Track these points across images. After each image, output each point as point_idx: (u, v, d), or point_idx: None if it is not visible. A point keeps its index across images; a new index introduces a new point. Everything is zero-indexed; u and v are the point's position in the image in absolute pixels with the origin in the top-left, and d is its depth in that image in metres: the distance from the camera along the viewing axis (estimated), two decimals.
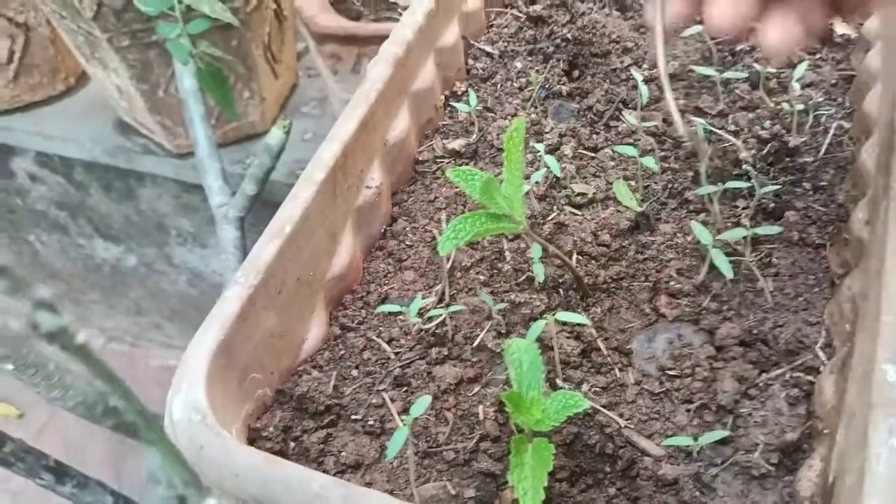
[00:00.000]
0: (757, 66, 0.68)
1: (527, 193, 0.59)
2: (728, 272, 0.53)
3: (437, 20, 0.67)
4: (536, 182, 0.59)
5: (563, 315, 0.50)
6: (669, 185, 0.63)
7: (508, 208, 0.49)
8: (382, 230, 0.62)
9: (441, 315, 0.53)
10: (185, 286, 1.75)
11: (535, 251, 0.55)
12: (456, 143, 0.66)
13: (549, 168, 0.59)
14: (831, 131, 0.64)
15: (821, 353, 0.51)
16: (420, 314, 0.54)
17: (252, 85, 1.45)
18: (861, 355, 0.44)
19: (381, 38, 1.11)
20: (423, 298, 0.55)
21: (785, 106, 0.65)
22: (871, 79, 0.64)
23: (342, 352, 0.55)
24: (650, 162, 0.59)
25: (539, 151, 0.60)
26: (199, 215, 1.54)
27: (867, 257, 0.51)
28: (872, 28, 0.71)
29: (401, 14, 1.25)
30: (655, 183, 0.63)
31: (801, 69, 0.64)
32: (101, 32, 1.29)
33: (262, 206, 1.53)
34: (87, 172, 1.55)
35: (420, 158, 0.66)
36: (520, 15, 0.75)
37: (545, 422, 0.42)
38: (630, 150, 0.60)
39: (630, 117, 0.63)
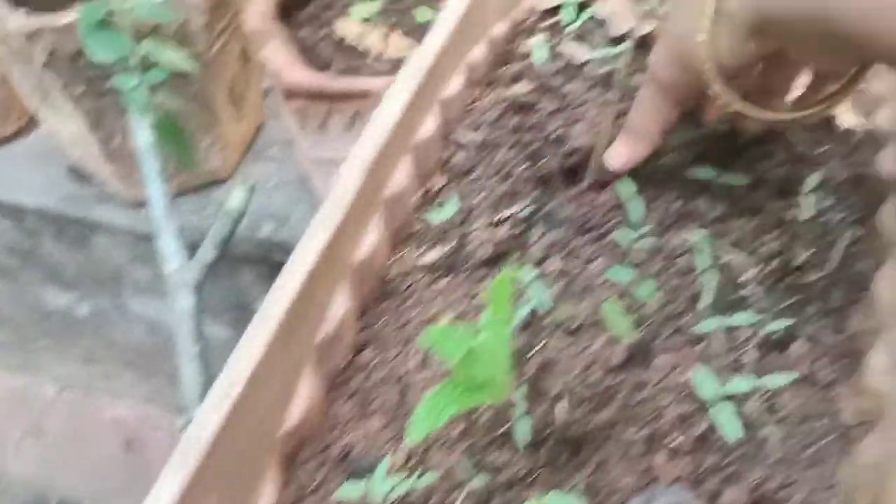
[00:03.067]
0: (758, 165, 0.62)
1: None
2: (735, 434, 0.47)
3: (414, 113, 0.61)
4: (519, 322, 0.53)
5: (552, 499, 0.44)
6: (666, 307, 0.56)
7: (493, 374, 0.43)
8: (346, 362, 0.55)
9: (407, 487, 0.46)
10: (141, 336, 1.69)
11: (519, 408, 0.49)
12: (431, 256, 0.59)
13: (535, 300, 0.53)
14: (842, 242, 0.59)
15: None
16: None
17: (213, 131, 1.39)
18: None
19: (351, 95, 1.05)
20: (392, 455, 0.49)
21: (790, 214, 0.59)
22: (886, 186, 0.59)
23: None
24: (647, 291, 0.53)
25: (524, 282, 0.54)
26: (157, 266, 1.47)
27: (889, 421, 0.46)
28: (884, 120, 0.65)
29: (371, 63, 1.19)
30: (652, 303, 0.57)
31: (813, 180, 0.58)
32: (53, 79, 1.22)
33: (220, 259, 1.46)
34: (38, 219, 1.47)
35: (390, 275, 0.59)
36: (503, 97, 0.69)
37: None
38: (624, 275, 0.54)
39: (622, 234, 0.57)
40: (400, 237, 0.62)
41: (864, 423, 0.50)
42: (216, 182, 1.47)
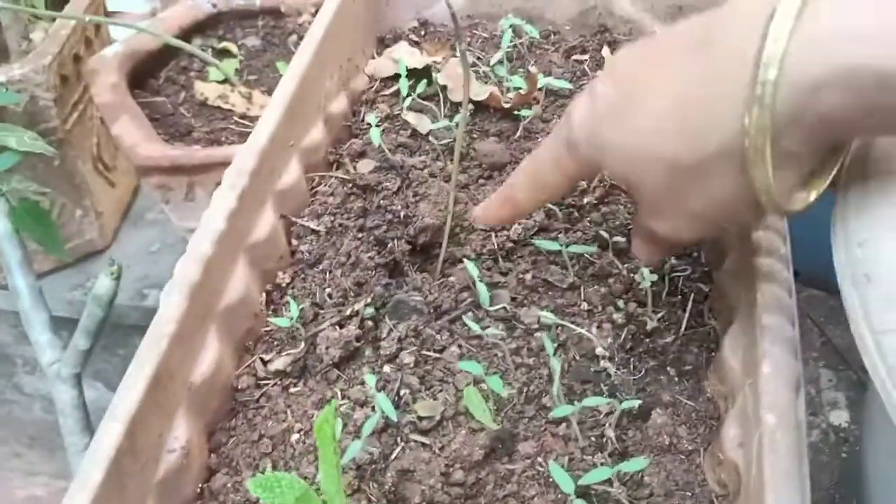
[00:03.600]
0: (602, 232, 0.61)
1: None
2: None
3: (243, 215, 0.58)
4: (371, 433, 0.51)
5: None
6: (525, 388, 0.55)
7: None
8: (198, 489, 0.52)
9: None
10: (41, 413, 1.62)
11: None
12: (280, 362, 0.57)
13: (383, 412, 0.51)
14: (690, 302, 0.59)
15: None
16: None
17: (84, 203, 1.32)
18: None
19: (212, 166, 1.01)
20: None
21: (637, 277, 0.59)
22: (726, 242, 0.59)
23: None
24: (496, 384, 0.52)
25: (371, 389, 0.52)
26: None
27: (745, 498, 0.45)
28: None
29: (236, 123, 1.15)
30: (510, 385, 0.55)
31: None
32: None
33: (112, 329, 1.40)
34: None
35: (239, 386, 0.57)
36: (346, 178, 0.67)
37: None
38: (475, 368, 0.52)
39: (473, 323, 0.55)
40: (246, 344, 0.59)
41: (726, 495, 0.49)
42: (96, 253, 1.41)
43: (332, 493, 0.40)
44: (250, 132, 0.61)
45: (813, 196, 0.44)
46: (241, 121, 1.14)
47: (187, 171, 1.00)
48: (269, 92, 1.14)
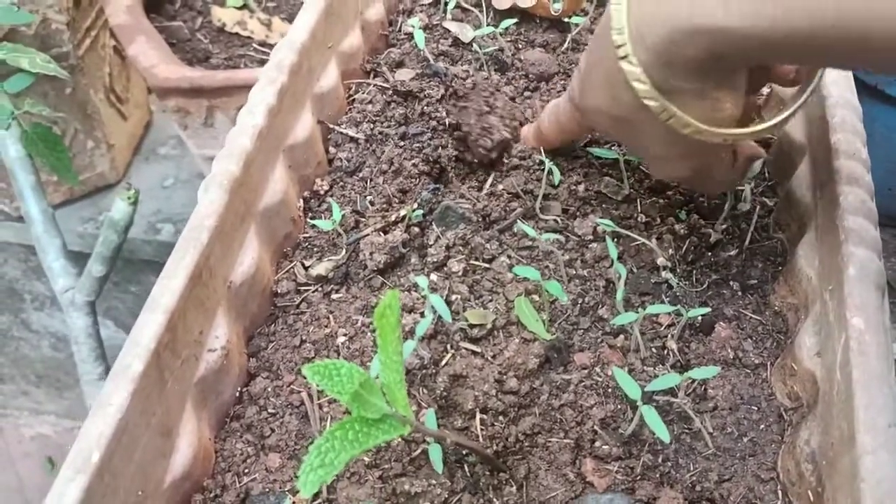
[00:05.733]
0: None
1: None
2: (665, 436, 0.43)
3: (282, 115, 0.55)
4: (422, 337, 0.48)
5: None
6: (580, 300, 0.52)
7: (391, 406, 0.38)
8: (237, 393, 0.50)
9: None
10: (49, 350, 1.59)
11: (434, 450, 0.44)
12: (321, 267, 0.54)
13: (436, 312, 0.48)
14: (755, 215, 0.56)
15: None
16: None
17: (95, 134, 1.29)
18: None
19: (232, 89, 0.98)
20: (295, 494, 0.43)
21: None
22: (796, 152, 0.56)
23: None
24: (556, 289, 0.49)
25: (423, 290, 0.49)
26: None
27: (826, 407, 0.43)
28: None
29: (255, 49, 1.11)
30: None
31: None
32: None
33: (123, 264, 1.37)
34: None
35: (279, 290, 0.54)
36: (385, 87, 0.63)
37: None
38: (533, 274, 0.49)
39: (528, 228, 0.52)
40: (285, 250, 0.56)
41: (798, 408, 0.47)
42: (107, 187, 1.38)
43: (392, 384, 0.38)
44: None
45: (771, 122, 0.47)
46: (261, 48, 1.09)
47: (207, 94, 0.96)
48: (290, 19, 1.10)
